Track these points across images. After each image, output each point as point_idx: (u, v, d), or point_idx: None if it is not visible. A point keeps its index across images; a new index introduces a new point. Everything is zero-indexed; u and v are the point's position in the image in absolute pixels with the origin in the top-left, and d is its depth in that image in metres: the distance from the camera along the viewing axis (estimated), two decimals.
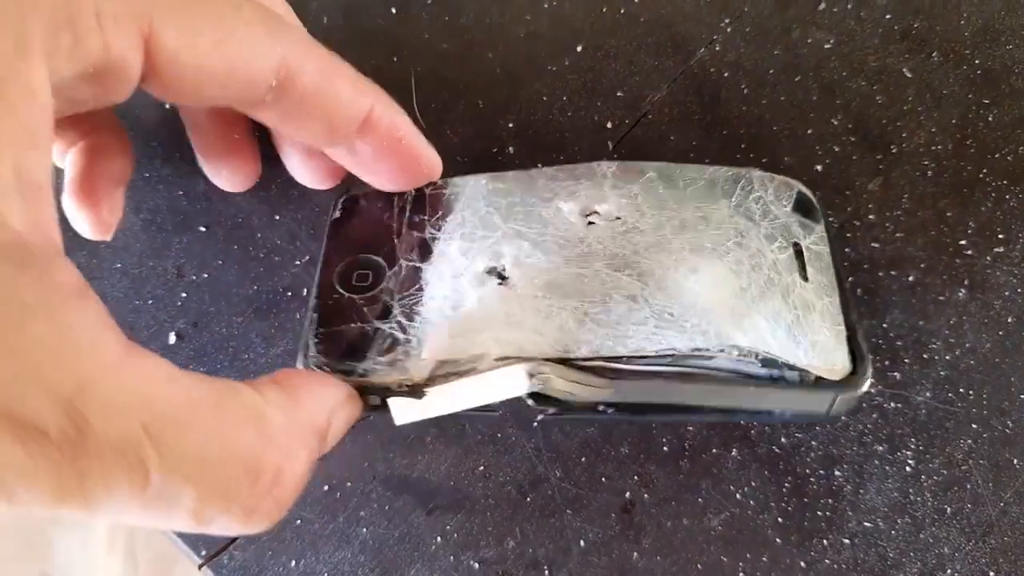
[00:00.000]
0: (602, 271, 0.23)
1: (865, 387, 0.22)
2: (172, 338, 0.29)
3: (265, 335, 0.29)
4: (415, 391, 0.21)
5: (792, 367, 0.22)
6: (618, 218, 0.24)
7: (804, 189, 0.25)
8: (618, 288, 0.22)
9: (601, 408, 0.23)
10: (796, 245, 0.24)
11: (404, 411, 0.22)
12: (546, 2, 0.30)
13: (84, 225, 0.24)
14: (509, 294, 0.23)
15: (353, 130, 0.22)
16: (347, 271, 0.24)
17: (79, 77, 0.17)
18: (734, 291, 0.23)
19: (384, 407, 0.21)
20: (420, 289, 0.23)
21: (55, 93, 0.16)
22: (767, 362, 0.22)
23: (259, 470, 0.16)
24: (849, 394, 0.22)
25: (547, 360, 0.21)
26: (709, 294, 0.22)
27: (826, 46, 0.30)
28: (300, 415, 0.18)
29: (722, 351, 0.22)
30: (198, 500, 0.15)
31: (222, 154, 0.26)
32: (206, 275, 0.29)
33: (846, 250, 0.28)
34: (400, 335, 0.22)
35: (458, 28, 0.30)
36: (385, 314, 0.23)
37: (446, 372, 0.21)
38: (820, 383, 0.22)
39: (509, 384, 0.21)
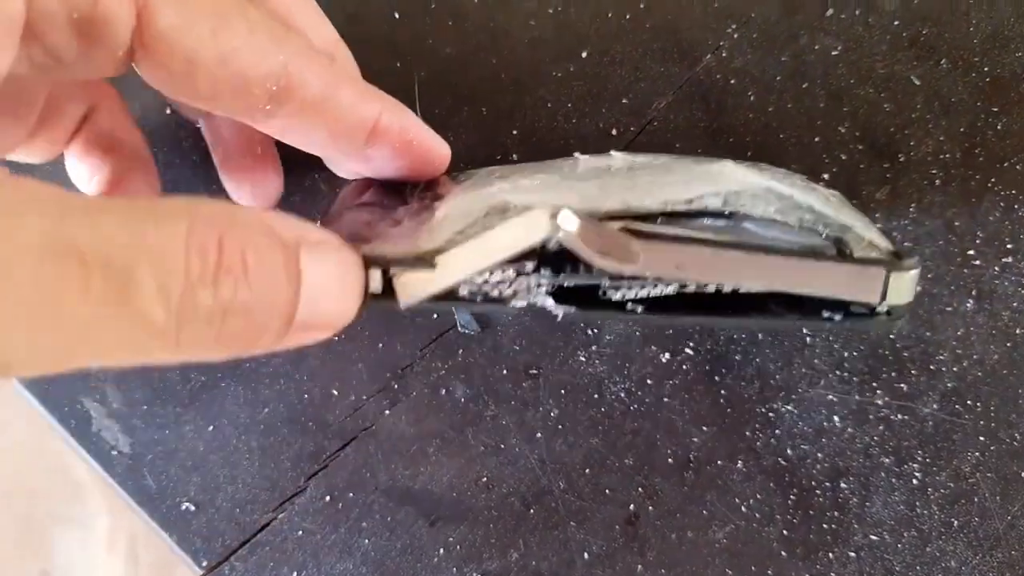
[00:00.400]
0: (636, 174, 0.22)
1: (917, 269, 0.20)
2: None
3: None
4: (425, 261, 0.18)
5: (834, 237, 0.21)
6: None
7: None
8: (646, 168, 0.22)
9: (629, 307, 0.21)
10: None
11: (412, 287, 0.19)
12: (551, 7, 0.30)
13: None
14: (531, 183, 0.21)
15: (362, 139, 0.22)
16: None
17: (64, 20, 0.17)
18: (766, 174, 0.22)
19: (389, 293, 0.19)
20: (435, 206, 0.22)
21: (37, 29, 0.16)
22: (806, 230, 0.21)
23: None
24: (901, 275, 0.20)
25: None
26: (740, 171, 0.21)
27: (833, 53, 0.29)
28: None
29: (758, 197, 0.20)
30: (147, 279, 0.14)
31: (244, 170, 0.26)
32: None
33: None
34: (414, 205, 0.22)
35: (462, 33, 0.30)
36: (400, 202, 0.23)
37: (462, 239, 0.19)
38: (866, 261, 0.20)
39: (529, 231, 0.18)
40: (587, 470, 0.26)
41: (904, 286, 0.20)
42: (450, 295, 0.19)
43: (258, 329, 0.16)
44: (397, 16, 0.31)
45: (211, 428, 0.29)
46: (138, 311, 0.14)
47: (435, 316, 0.28)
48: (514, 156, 0.30)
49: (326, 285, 0.17)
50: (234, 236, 0.15)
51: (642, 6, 0.30)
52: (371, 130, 0.22)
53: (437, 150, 0.24)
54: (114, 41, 0.17)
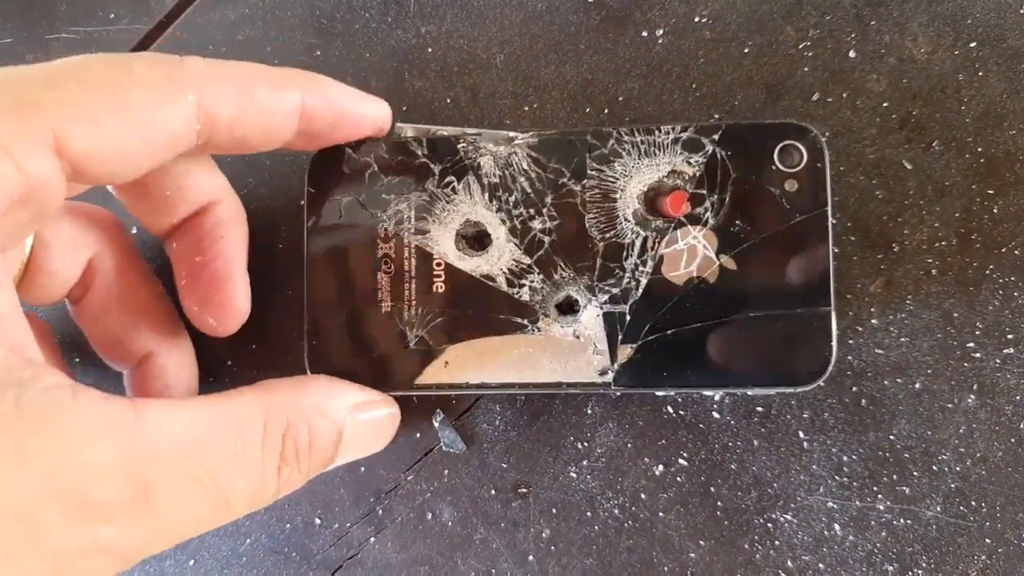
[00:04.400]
0: None
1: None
2: None
3: None
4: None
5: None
6: None
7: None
8: None
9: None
10: None
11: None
12: (527, 104, 0.31)
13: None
14: None
15: (292, 127, 0.24)
16: None
17: (8, 206, 0.18)
18: None
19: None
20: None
21: None
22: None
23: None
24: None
25: None
26: None
27: (822, 139, 0.30)
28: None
29: None
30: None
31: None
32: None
33: (848, 357, 0.29)
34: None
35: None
36: None
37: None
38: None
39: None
40: None
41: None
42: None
43: (303, 480, 0.23)
44: None
45: (192, 562, 0.30)
46: (229, 509, 0.21)
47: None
48: None
49: (364, 438, 0.25)
50: (300, 425, 0.22)
51: (620, 99, 0.31)
52: (300, 112, 0.24)
53: (374, 111, 0.26)
54: (54, 189, 0.19)
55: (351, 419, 0.24)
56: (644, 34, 0.31)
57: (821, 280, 0.26)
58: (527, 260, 0.26)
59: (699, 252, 0.26)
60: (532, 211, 0.26)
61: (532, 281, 0.26)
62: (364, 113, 0.26)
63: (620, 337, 0.26)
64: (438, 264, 0.26)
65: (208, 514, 0.19)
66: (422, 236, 0.26)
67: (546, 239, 0.26)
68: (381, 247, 0.26)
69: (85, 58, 0.20)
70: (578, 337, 0.25)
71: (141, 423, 0.18)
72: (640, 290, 0.26)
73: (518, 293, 0.26)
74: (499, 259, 0.26)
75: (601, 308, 0.26)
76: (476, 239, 0.27)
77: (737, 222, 0.26)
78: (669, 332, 0.25)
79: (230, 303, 0.26)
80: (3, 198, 0.18)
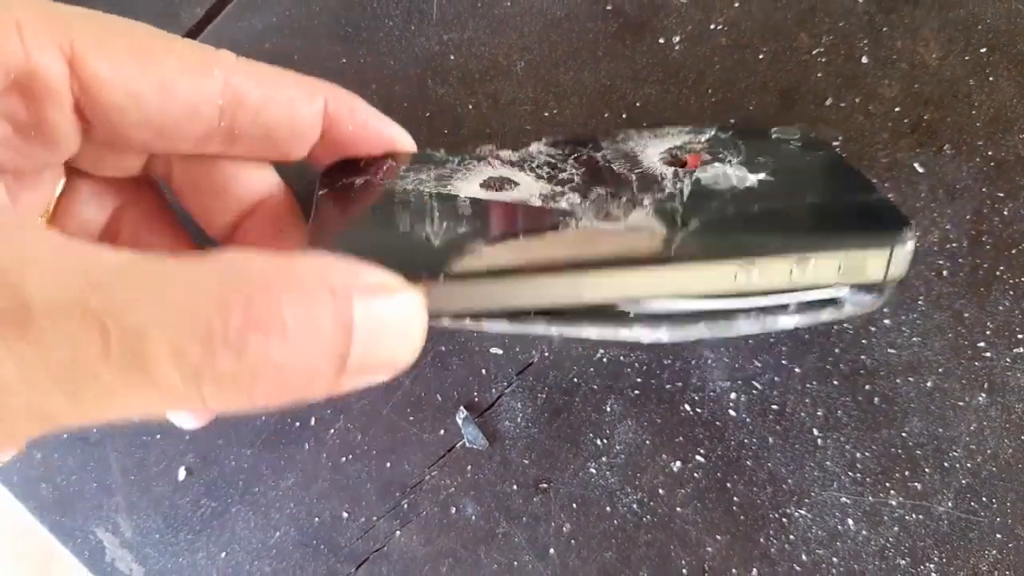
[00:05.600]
0: None
1: (914, 239, 0.22)
2: (182, 473, 0.31)
3: (275, 467, 0.31)
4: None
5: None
6: None
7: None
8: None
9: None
10: None
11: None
12: (546, 110, 0.32)
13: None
14: None
15: (317, 128, 0.25)
16: None
17: (4, 83, 0.19)
18: None
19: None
20: None
21: None
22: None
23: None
24: (903, 247, 0.22)
25: None
26: None
27: (834, 143, 0.31)
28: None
29: None
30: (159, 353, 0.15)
31: None
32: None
33: (862, 357, 0.30)
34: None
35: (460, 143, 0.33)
36: None
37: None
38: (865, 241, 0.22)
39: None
40: None
41: (903, 258, 0.23)
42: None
43: (301, 382, 0.16)
44: None
45: (223, 554, 0.31)
46: (154, 377, 0.14)
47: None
48: None
49: (383, 330, 0.17)
50: (270, 292, 0.15)
51: (638, 104, 0.32)
52: (324, 115, 0.25)
53: (396, 134, 0.27)
54: (55, 92, 0.20)
55: (362, 305, 0.16)
56: (661, 41, 0.32)
57: (862, 180, 0.25)
58: (560, 188, 0.24)
59: (732, 174, 0.25)
60: (556, 169, 0.26)
61: (569, 199, 0.24)
62: (386, 131, 0.27)
63: (677, 220, 0.22)
64: (463, 200, 0.24)
65: (95, 355, 0.14)
66: (444, 188, 0.25)
67: (576, 175, 0.25)
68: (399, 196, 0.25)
69: (134, 21, 0.21)
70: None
71: (74, 247, 0.15)
72: (686, 194, 0.24)
73: (556, 205, 0.23)
74: (529, 192, 0.24)
75: (651, 206, 0.23)
76: (501, 184, 0.25)
77: (759, 158, 0.26)
78: (728, 210, 0.23)
79: None
80: (3, 77, 0.19)
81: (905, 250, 0.22)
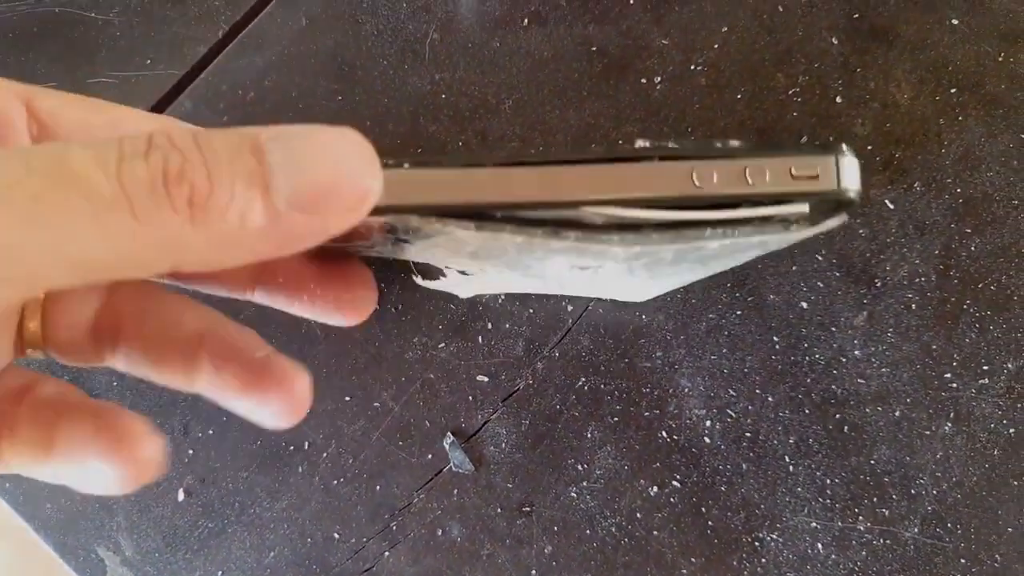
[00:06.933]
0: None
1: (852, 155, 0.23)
2: (181, 495, 0.33)
3: (269, 489, 0.33)
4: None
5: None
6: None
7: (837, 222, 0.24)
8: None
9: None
10: None
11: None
12: (533, 147, 0.34)
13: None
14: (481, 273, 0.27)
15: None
16: None
17: None
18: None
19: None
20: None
21: None
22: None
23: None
24: (846, 159, 0.22)
25: None
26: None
27: None
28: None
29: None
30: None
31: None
32: (212, 431, 0.34)
33: (832, 387, 0.32)
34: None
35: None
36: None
37: None
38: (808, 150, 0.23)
39: None
40: None
41: (852, 170, 0.23)
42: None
43: (233, 219, 0.16)
44: None
45: (220, 573, 0.33)
46: (78, 177, 0.15)
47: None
48: None
49: (306, 153, 0.16)
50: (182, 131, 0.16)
51: (620, 142, 0.34)
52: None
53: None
54: (16, 135, 0.22)
55: (272, 134, 0.16)
56: (643, 81, 0.34)
57: None
58: None
59: None
60: None
61: None
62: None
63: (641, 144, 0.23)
64: None
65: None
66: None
67: None
68: None
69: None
70: None
71: None
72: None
73: None
74: None
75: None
76: None
77: None
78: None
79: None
80: None
81: (849, 159, 0.23)
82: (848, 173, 0.23)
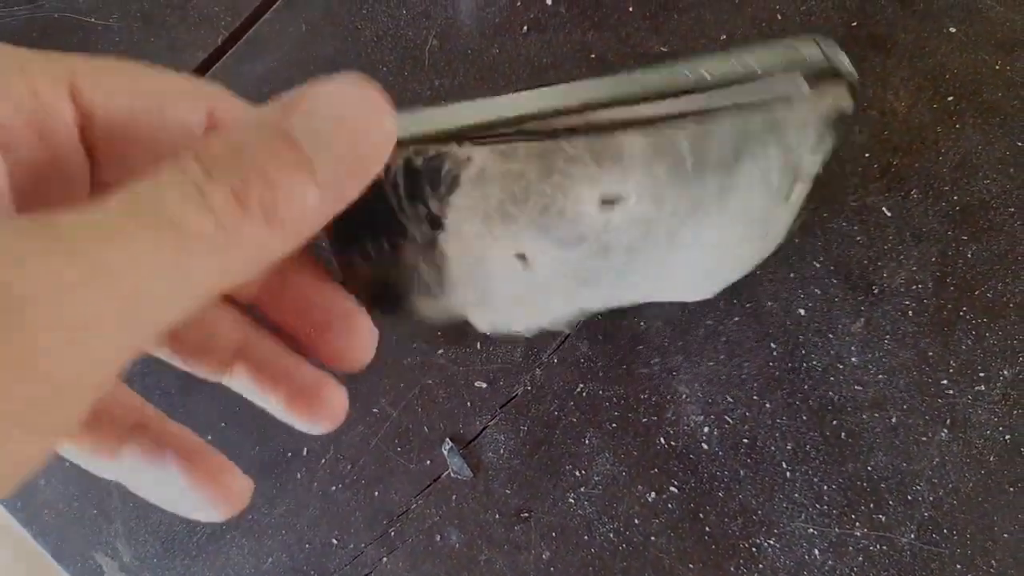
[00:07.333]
0: (619, 261, 0.27)
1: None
2: None
3: (268, 495, 0.33)
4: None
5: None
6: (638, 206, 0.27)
7: (847, 105, 0.25)
8: (633, 271, 0.26)
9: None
10: (795, 171, 0.26)
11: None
12: None
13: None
14: (533, 278, 0.26)
15: None
16: (362, 247, 0.25)
17: (16, 120, 0.20)
18: (731, 255, 0.27)
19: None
20: (442, 256, 0.26)
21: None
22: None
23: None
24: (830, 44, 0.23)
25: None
26: (710, 263, 0.27)
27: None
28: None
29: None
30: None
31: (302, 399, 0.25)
32: (210, 437, 0.34)
33: (829, 393, 0.32)
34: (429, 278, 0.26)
35: None
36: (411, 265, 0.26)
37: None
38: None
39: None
40: None
41: (834, 48, 0.23)
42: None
43: (282, 200, 0.17)
44: None
45: None
46: (180, 223, 0.16)
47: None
48: None
49: (335, 124, 0.18)
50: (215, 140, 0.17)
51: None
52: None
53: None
54: (63, 124, 0.21)
55: (298, 129, 0.17)
56: None
57: None
58: None
59: None
60: None
61: None
62: None
63: None
64: None
65: None
66: None
67: None
68: None
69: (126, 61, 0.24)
70: None
71: None
72: None
73: None
74: None
75: None
76: None
77: None
78: None
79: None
80: (17, 116, 0.20)
81: (831, 45, 0.23)
82: (833, 52, 0.24)
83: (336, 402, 0.24)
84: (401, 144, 0.21)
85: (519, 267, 0.26)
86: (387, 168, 0.22)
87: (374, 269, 0.25)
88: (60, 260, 0.15)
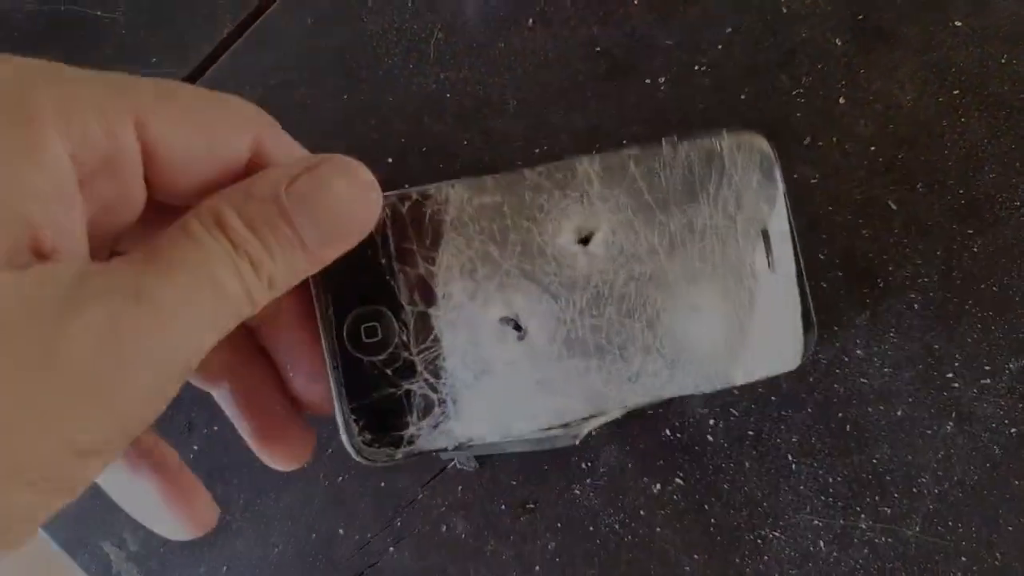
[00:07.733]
0: (615, 319, 0.27)
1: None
2: None
3: (274, 484, 0.34)
4: (462, 448, 0.27)
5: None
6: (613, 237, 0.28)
7: (766, 147, 0.29)
8: (632, 339, 0.27)
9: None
10: (764, 232, 0.28)
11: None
12: (537, 147, 0.35)
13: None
14: (533, 356, 0.27)
15: None
16: (353, 327, 0.27)
17: (93, 165, 0.21)
18: (728, 322, 0.28)
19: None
20: (436, 340, 0.27)
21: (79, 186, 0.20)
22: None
23: None
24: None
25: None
26: (710, 334, 0.28)
27: (812, 181, 0.34)
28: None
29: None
30: None
31: (273, 436, 0.27)
32: (216, 427, 0.34)
33: (835, 386, 0.33)
34: (433, 395, 0.27)
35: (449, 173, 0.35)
36: (410, 373, 0.27)
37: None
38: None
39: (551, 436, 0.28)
40: None
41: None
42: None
43: (270, 265, 0.21)
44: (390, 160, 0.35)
45: (225, 568, 0.34)
46: (227, 291, 0.20)
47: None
48: None
49: (325, 205, 0.22)
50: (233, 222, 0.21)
51: (625, 143, 0.35)
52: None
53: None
54: (132, 165, 0.21)
55: (294, 207, 0.22)
56: (647, 82, 0.35)
57: None
58: None
59: None
60: None
61: None
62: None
63: None
64: None
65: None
66: None
67: None
68: None
69: (179, 83, 0.24)
70: None
71: None
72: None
73: None
74: None
75: None
76: None
77: None
78: None
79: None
80: (94, 156, 0.20)
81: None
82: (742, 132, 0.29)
83: (299, 447, 0.27)
84: (386, 196, 0.26)
85: (514, 338, 0.27)
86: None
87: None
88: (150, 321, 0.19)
